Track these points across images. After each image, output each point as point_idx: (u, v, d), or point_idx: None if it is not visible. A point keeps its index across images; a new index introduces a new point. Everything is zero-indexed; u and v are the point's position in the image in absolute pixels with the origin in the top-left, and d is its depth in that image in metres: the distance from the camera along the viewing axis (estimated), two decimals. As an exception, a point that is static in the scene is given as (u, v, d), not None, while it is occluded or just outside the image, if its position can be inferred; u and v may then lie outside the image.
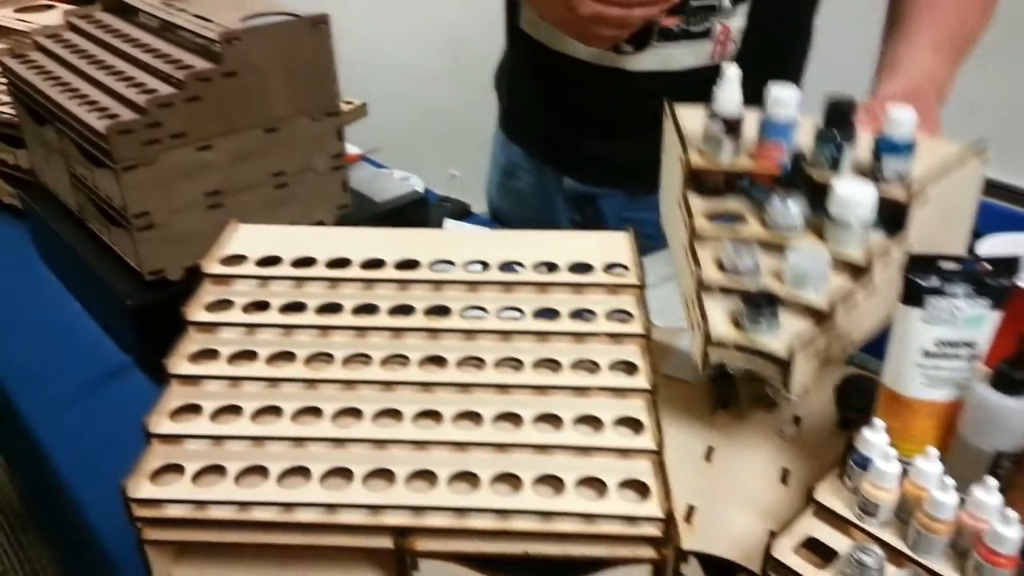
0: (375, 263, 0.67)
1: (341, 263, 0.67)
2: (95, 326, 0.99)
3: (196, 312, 0.64)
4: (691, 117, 0.69)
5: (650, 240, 1.13)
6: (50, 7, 1.36)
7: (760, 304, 0.57)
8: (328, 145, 0.97)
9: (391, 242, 0.70)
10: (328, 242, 0.70)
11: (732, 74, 0.63)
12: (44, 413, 0.87)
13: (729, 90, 0.63)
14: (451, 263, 0.67)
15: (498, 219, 1.31)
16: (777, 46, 1.00)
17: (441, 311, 0.64)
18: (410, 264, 0.67)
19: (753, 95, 1.06)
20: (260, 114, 0.90)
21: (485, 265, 0.67)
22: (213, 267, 0.66)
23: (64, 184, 0.98)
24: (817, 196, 0.61)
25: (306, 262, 0.67)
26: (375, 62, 2.22)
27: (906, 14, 0.89)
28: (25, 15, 1.31)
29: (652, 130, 1.08)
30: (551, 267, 0.66)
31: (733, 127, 0.64)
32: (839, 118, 0.61)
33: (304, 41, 0.90)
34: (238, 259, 0.68)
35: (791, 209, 0.60)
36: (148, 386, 0.91)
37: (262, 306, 0.65)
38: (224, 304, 0.65)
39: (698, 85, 1.02)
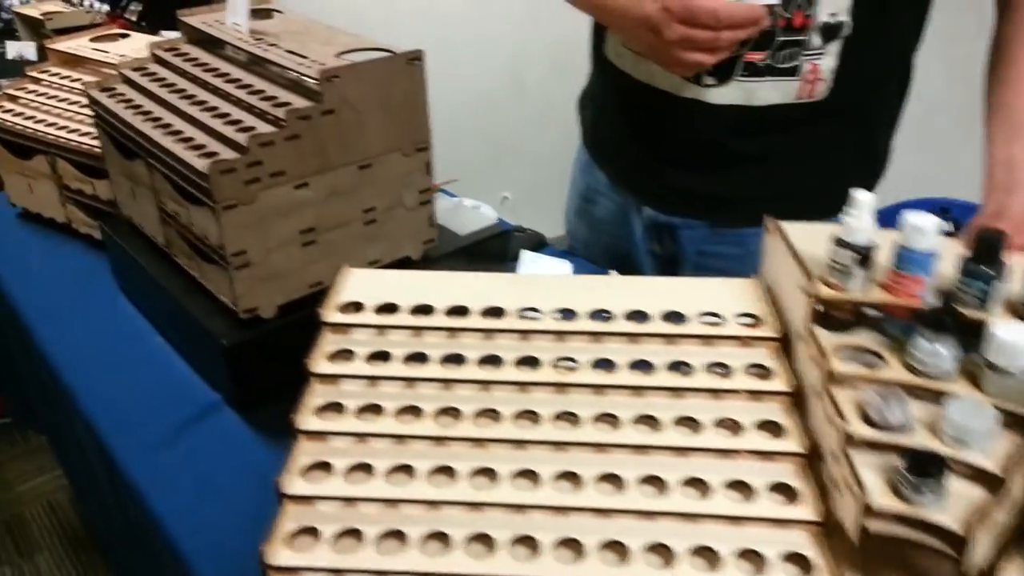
0: (495, 311, 0.65)
1: (460, 311, 0.65)
2: (181, 362, 0.98)
3: (319, 363, 0.62)
4: (803, 236, 0.64)
5: (732, 276, 1.11)
6: (124, 35, 1.36)
7: (924, 467, 0.49)
8: (417, 180, 0.96)
9: (507, 288, 0.68)
10: (443, 288, 0.68)
11: (865, 200, 0.58)
12: (137, 455, 0.86)
13: (862, 217, 0.58)
14: (572, 312, 0.65)
15: (574, 245, 1.30)
16: (873, 86, 0.97)
17: (568, 362, 0.62)
18: (531, 312, 0.65)
19: (847, 140, 1.03)
20: (355, 151, 0.89)
21: (608, 314, 0.65)
22: (332, 315, 0.65)
23: (151, 218, 0.98)
24: (966, 336, 0.55)
25: (424, 309, 0.66)
26: (431, 86, 2.21)
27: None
28: (101, 44, 1.32)
29: (734, 165, 1.06)
30: (679, 317, 0.64)
31: (866, 257, 0.58)
32: (989, 251, 0.57)
33: (399, 77, 0.89)
34: (355, 307, 0.66)
35: (943, 352, 0.54)
36: (240, 425, 0.90)
37: (384, 356, 0.63)
38: (345, 354, 0.63)
39: (781, 122, 0.99)
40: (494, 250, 1.08)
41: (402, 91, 0.90)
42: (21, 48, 2.29)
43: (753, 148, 0.98)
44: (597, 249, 1.24)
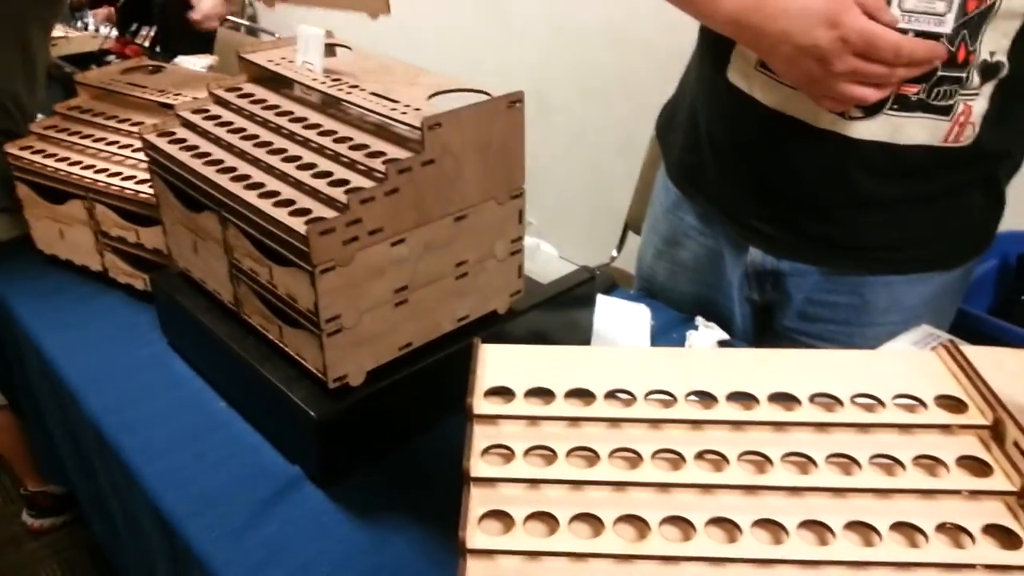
0: (662, 395, 0.58)
1: (622, 395, 0.58)
2: (249, 429, 0.90)
3: (477, 466, 0.54)
4: None
5: (843, 326, 1.07)
6: (158, 68, 1.27)
7: None
8: (510, 229, 0.89)
9: (666, 366, 0.61)
10: (593, 365, 0.61)
11: None
12: (215, 541, 0.78)
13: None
14: (750, 395, 0.58)
15: (650, 291, 1.23)
16: (1018, 136, 0.91)
17: (755, 457, 0.55)
18: (705, 396, 0.58)
19: (978, 187, 0.94)
20: (452, 202, 0.82)
21: (791, 398, 0.58)
22: (481, 405, 0.57)
23: (218, 274, 0.89)
24: None
25: (581, 393, 0.58)
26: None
27: None
28: (134, 77, 1.23)
29: (862, 208, 0.96)
30: (871, 399, 0.57)
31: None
32: None
33: (499, 122, 0.82)
34: (503, 392, 0.59)
35: None
36: (323, 502, 0.82)
37: (543, 451, 0.56)
38: (501, 452, 0.56)
39: (921, 165, 0.89)
40: (581, 298, 1.01)
41: (501, 136, 0.83)
42: (23, 74, 2.18)
43: (887, 191, 0.92)
44: (677, 295, 1.18)
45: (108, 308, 1.12)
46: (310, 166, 0.81)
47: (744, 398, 0.58)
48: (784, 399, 0.58)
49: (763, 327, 1.12)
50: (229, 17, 2.25)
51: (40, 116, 1.28)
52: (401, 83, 0.88)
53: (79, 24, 2.27)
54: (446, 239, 0.83)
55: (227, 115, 0.92)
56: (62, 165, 1.11)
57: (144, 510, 0.86)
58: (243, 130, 0.89)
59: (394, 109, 0.81)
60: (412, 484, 0.84)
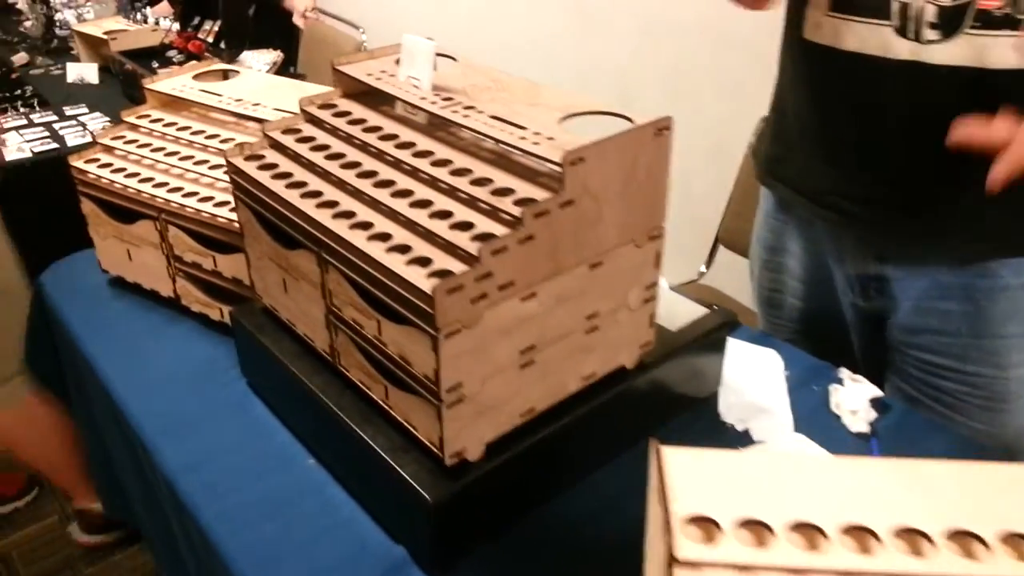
0: (907, 535, 0.46)
1: (865, 532, 0.46)
2: (343, 494, 0.80)
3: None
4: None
5: (955, 337, 0.94)
6: (231, 72, 1.17)
7: None
8: (646, 275, 0.77)
9: (899, 484, 0.48)
10: (810, 482, 0.49)
11: None
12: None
13: None
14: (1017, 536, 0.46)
15: (768, 312, 1.14)
16: None
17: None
18: (967, 536, 0.45)
19: None
20: (589, 248, 0.70)
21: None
22: (685, 547, 0.45)
23: (312, 320, 0.79)
24: None
25: (804, 528, 0.46)
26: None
27: None
28: (206, 83, 1.13)
29: (961, 164, 0.82)
30: None
31: None
32: None
33: (644, 154, 0.70)
34: (704, 522, 0.47)
35: None
36: (433, 591, 0.71)
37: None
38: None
39: (1021, 96, 0.80)
40: (711, 344, 0.89)
41: (645, 170, 0.70)
42: (82, 70, 2.11)
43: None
44: (787, 310, 1.12)
45: (181, 340, 1.02)
46: (424, 203, 0.69)
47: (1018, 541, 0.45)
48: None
49: (873, 338, 1.06)
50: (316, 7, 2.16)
51: (102, 119, 1.18)
52: (522, 103, 0.76)
53: (138, 17, 2.19)
54: (579, 290, 0.71)
55: (322, 136, 0.82)
56: (132, 182, 1.02)
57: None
58: (342, 156, 0.78)
59: (523, 138, 0.69)
60: (531, 564, 0.73)
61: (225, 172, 0.97)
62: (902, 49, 0.84)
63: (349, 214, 0.71)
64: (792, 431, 0.89)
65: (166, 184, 1.01)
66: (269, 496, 0.80)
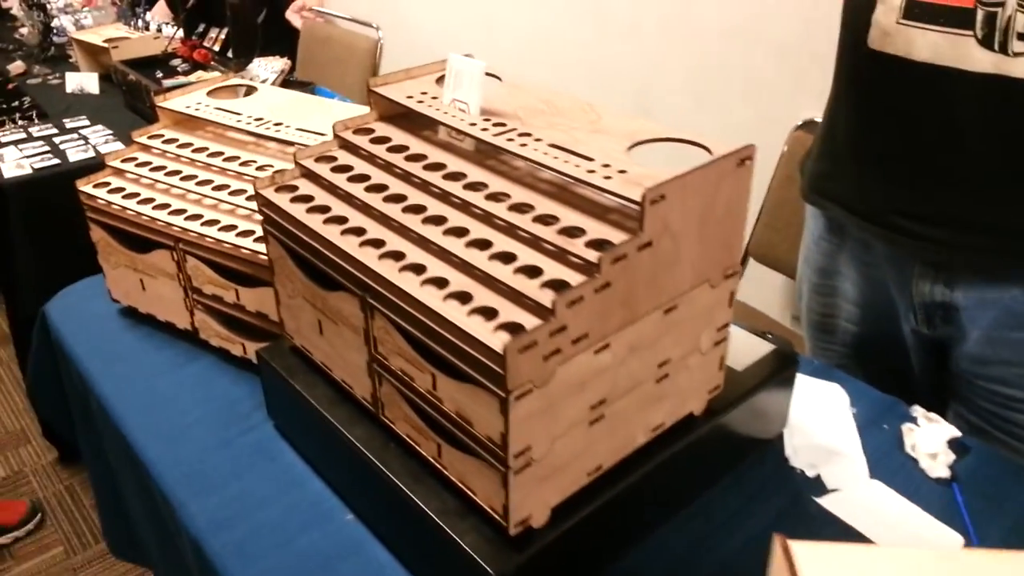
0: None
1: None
2: (389, 559, 0.73)
3: None
4: None
5: None
6: (250, 89, 1.10)
7: None
8: (718, 316, 0.70)
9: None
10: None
11: None
12: None
13: None
14: None
15: (819, 336, 1.08)
16: None
17: None
18: None
19: None
20: (664, 292, 0.63)
21: None
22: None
23: (352, 366, 0.72)
24: None
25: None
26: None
27: None
28: (222, 100, 1.06)
29: None
30: None
31: None
32: None
33: (725, 187, 0.63)
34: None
35: None
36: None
37: None
38: None
39: None
40: (779, 383, 0.82)
41: (724, 204, 0.64)
42: (82, 80, 2.03)
43: None
44: (840, 335, 1.06)
45: (201, 377, 0.96)
46: (482, 244, 0.63)
47: None
48: None
49: (938, 365, 1.00)
50: (315, 7, 2.08)
51: (104, 131, 1.11)
52: (582, 129, 0.69)
53: (139, 23, 2.11)
54: (653, 337, 0.64)
55: (360, 165, 0.75)
56: (146, 209, 0.95)
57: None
58: (384, 187, 0.71)
59: (592, 171, 0.62)
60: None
61: (248, 198, 0.91)
62: (984, 61, 0.78)
63: (397, 255, 0.64)
64: (867, 477, 0.82)
65: (183, 211, 0.94)
66: (305, 557, 0.73)
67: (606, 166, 0.63)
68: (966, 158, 0.83)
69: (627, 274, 0.58)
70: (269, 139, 0.98)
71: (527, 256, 0.61)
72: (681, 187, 0.59)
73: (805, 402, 0.90)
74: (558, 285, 0.57)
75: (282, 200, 0.73)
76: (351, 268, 0.66)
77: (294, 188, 0.75)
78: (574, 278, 0.58)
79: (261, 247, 0.86)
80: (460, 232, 0.64)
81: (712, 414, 0.75)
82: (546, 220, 0.63)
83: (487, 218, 0.65)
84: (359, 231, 0.68)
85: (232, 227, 0.90)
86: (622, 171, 0.62)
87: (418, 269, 0.63)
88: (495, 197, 0.66)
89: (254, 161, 0.97)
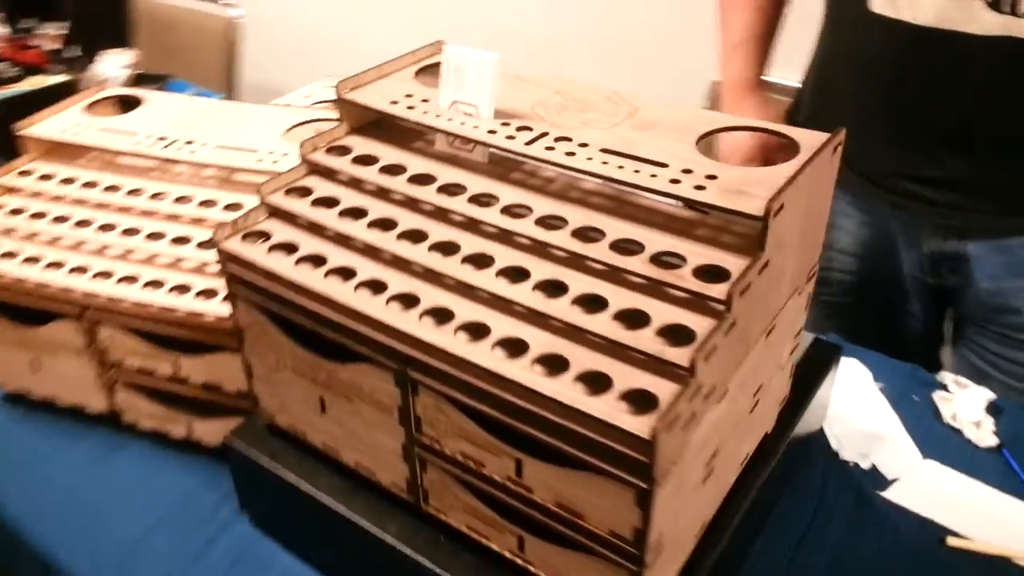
0: None
1: None
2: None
3: None
4: None
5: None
6: (131, 101, 0.89)
7: None
8: (797, 322, 0.61)
9: None
10: None
11: None
12: None
13: None
14: None
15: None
16: None
17: None
18: None
19: None
20: (769, 313, 0.53)
21: None
22: None
23: (376, 450, 0.58)
24: None
25: None
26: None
27: None
28: (102, 118, 0.85)
29: None
30: None
31: None
32: None
33: (822, 181, 0.54)
34: None
35: None
36: None
37: None
38: None
39: None
40: (827, 378, 0.75)
41: (819, 200, 0.55)
42: None
43: None
44: (834, 288, 1.02)
45: (136, 473, 0.77)
46: (553, 286, 0.50)
47: None
48: None
49: (940, 315, 1.00)
50: None
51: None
52: (624, 125, 0.57)
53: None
54: (756, 366, 0.54)
55: (348, 196, 0.59)
56: (34, 271, 0.74)
57: None
58: (391, 223, 0.56)
59: (676, 181, 0.51)
60: None
61: (174, 242, 0.73)
62: (993, 23, 0.75)
63: (441, 313, 0.50)
64: (921, 459, 0.77)
65: (85, 268, 0.73)
66: None
67: (687, 172, 0.51)
68: (977, 123, 0.80)
69: (748, 305, 0.48)
70: (183, 163, 0.79)
71: (619, 297, 0.49)
72: (795, 191, 0.49)
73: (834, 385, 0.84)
74: (675, 332, 0.46)
75: (255, 252, 0.56)
76: (379, 335, 0.51)
77: (266, 235, 0.58)
78: (690, 320, 0.46)
79: (207, 306, 0.69)
80: (517, 273, 0.51)
81: (783, 427, 0.66)
82: (626, 248, 0.51)
83: (541, 250, 0.52)
84: (377, 285, 0.53)
85: (158, 283, 0.71)
86: (711, 176, 0.51)
87: (476, 330, 0.49)
88: (546, 223, 0.53)
89: (165, 193, 0.78)
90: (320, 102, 1.13)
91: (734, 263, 0.48)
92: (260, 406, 0.66)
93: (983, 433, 0.79)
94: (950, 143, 0.81)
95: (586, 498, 0.47)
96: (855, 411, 0.82)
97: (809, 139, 0.54)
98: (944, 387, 0.84)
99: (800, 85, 1.01)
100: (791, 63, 1.29)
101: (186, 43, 1.89)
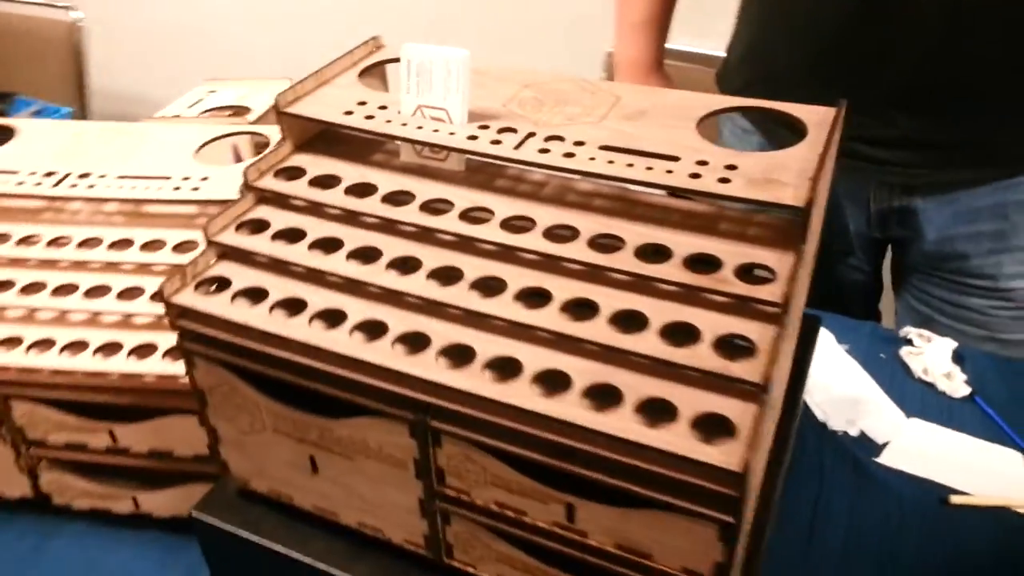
0: None
1: None
2: None
3: None
4: None
5: (987, 257, 0.87)
6: (4, 133, 0.76)
7: None
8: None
9: None
10: None
11: None
12: None
13: None
14: None
15: None
16: None
17: None
18: None
19: None
20: (800, 308, 0.50)
21: None
22: None
23: (384, 507, 0.51)
24: None
25: None
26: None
27: None
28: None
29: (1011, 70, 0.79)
30: None
31: None
32: None
33: (829, 160, 0.51)
34: None
35: None
36: None
37: None
38: None
39: None
40: (810, 348, 0.74)
41: (826, 179, 0.52)
42: None
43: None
44: None
45: (78, 560, 0.66)
46: (580, 305, 0.44)
47: None
48: None
49: (880, 265, 1.02)
50: None
51: None
52: (612, 116, 0.52)
53: None
54: (787, 362, 0.51)
55: (312, 225, 0.51)
56: (-87, 348, 0.62)
57: None
58: (374, 252, 0.49)
59: (696, 176, 0.46)
60: None
61: (88, 294, 0.63)
62: None
63: (459, 351, 0.44)
64: (905, 419, 0.78)
65: (-12, 338, 0.62)
66: None
67: (702, 163, 0.47)
68: (929, 78, 0.79)
69: (797, 302, 0.44)
70: (79, 200, 0.68)
71: (653, 309, 0.44)
72: (824, 173, 0.45)
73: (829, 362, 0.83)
74: (727, 344, 0.42)
75: (216, 304, 0.48)
76: (387, 384, 0.44)
77: (223, 281, 0.50)
78: (743, 327, 0.42)
79: (144, 365, 0.59)
80: (535, 296, 0.45)
81: (789, 412, 0.64)
82: (655, 254, 0.46)
83: (556, 266, 0.47)
84: (374, 326, 0.46)
85: (80, 344, 0.61)
86: (730, 166, 0.47)
87: (504, 366, 0.43)
88: (554, 234, 0.48)
89: (66, 238, 0.67)
90: (210, 110, 1.02)
91: (774, 259, 0.44)
92: (230, 472, 0.57)
93: (955, 384, 0.80)
94: (901, 102, 0.81)
95: (655, 537, 0.42)
96: (831, 378, 0.81)
97: (813, 116, 0.51)
98: (909, 341, 0.85)
99: (725, 54, 0.99)
100: (701, 31, 1.27)
101: (23, 53, 1.68)
